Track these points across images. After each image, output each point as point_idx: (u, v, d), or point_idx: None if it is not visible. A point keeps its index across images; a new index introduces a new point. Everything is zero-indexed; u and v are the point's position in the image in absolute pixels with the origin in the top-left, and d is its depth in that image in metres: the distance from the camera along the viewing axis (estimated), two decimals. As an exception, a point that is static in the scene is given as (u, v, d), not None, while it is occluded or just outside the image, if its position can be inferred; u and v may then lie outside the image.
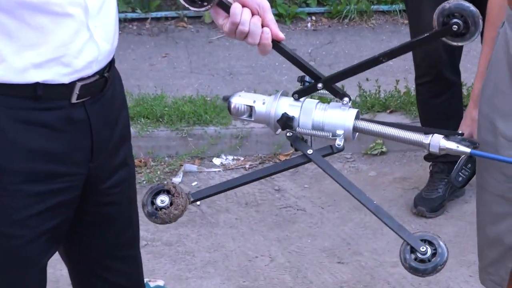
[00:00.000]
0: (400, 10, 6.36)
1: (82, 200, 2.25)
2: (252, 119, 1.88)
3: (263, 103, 1.86)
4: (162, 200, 1.77)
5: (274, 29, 1.90)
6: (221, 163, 4.81)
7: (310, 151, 1.82)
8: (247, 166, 4.81)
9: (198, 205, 4.43)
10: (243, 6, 1.88)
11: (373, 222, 4.24)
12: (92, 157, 2.17)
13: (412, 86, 5.11)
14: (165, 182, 1.76)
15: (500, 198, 2.37)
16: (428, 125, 4.31)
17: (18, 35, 1.95)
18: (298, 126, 1.83)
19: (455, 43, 1.74)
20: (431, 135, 1.76)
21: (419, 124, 4.89)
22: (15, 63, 1.96)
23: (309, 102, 1.85)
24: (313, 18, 6.40)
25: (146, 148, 4.86)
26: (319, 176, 4.71)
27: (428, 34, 1.75)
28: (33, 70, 1.98)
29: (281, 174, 4.71)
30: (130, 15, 6.24)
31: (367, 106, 5.03)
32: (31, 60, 1.97)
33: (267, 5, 1.91)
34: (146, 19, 6.17)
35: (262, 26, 1.89)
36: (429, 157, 4.41)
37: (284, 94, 1.89)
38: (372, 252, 4.07)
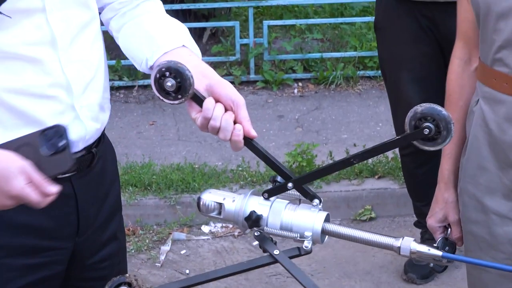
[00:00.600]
0: (386, 76, 6.41)
1: (68, 275, 2.22)
2: (221, 216, 1.84)
3: (233, 201, 1.82)
4: None
5: (247, 126, 1.85)
6: (210, 230, 4.80)
7: (276, 252, 1.76)
8: (235, 233, 4.79)
9: (187, 273, 4.41)
10: (217, 101, 1.85)
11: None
12: (78, 231, 2.14)
13: (400, 151, 5.14)
14: (127, 274, 1.70)
15: (500, 276, 2.35)
16: (414, 193, 4.37)
17: (1, 118, 1.94)
18: (266, 225, 1.79)
19: (426, 148, 1.70)
20: (402, 238, 1.72)
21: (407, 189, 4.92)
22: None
23: (279, 202, 1.81)
24: (300, 84, 6.43)
25: (135, 216, 4.85)
26: (308, 242, 4.69)
27: (399, 137, 1.72)
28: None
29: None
30: (117, 83, 6.25)
31: (356, 172, 5.03)
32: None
33: (242, 101, 1.87)
34: (133, 86, 6.19)
35: (235, 122, 1.85)
36: (419, 224, 4.39)
37: (255, 193, 1.85)
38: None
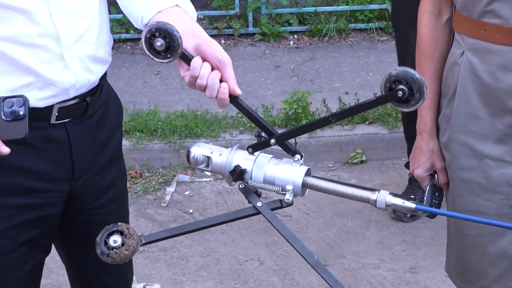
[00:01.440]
0: (376, 28, 6.39)
1: (69, 218, 2.22)
2: (209, 169, 1.82)
3: (220, 155, 1.80)
4: (115, 240, 1.71)
5: (232, 84, 1.81)
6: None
7: (259, 204, 1.76)
8: (236, 175, 4.80)
9: (191, 212, 4.43)
10: (204, 60, 1.82)
11: (355, 227, 4.25)
12: (73, 176, 2.13)
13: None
14: (119, 223, 1.73)
15: (497, 216, 2.35)
16: (411, 137, 4.30)
17: None
18: (251, 178, 1.77)
19: (400, 109, 1.69)
20: (378, 191, 1.71)
21: (397, 134, 4.92)
22: None
23: (263, 157, 1.80)
24: (295, 36, 6.41)
25: (141, 160, 4.86)
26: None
27: (374, 98, 1.69)
28: (9, 94, 1.94)
29: (268, 183, 4.72)
30: (124, 35, 6.25)
31: (347, 118, 5.03)
32: (7, 86, 1.95)
33: (228, 60, 1.83)
34: (139, 39, 6.16)
35: (222, 81, 1.81)
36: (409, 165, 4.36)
37: (241, 147, 1.84)
38: (354, 255, 4.07)
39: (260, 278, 3.91)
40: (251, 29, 6.41)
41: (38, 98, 1.98)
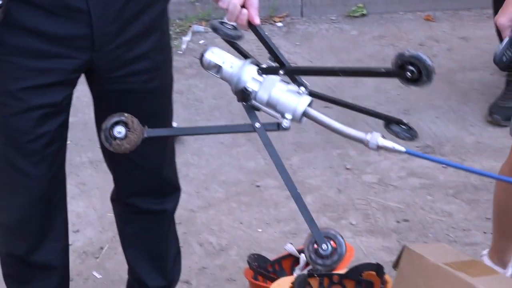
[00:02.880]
0: None
1: (95, 84, 2.12)
2: (218, 76, 1.77)
3: (231, 67, 1.74)
4: (119, 131, 1.67)
5: (252, 12, 1.75)
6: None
7: (257, 124, 1.71)
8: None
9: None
10: None
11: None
12: (93, 45, 1.99)
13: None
14: (126, 114, 1.68)
15: None
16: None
17: None
18: (255, 99, 1.72)
19: (404, 85, 1.63)
20: (371, 133, 1.65)
21: None
22: None
23: (270, 79, 1.73)
24: None
25: (160, 11, 4.79)
26: (308, 35, 4.64)
27: (384, 70, 1.64)
28: None
29: (275, 34, 4.66)
30: None
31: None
32: None
33: None
34: None
35: (244, 7, 1.75)
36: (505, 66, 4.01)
37: (253, 62, 1.77)
38: (353, 99, 4.02)
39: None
40: None
41: None
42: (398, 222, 3.21)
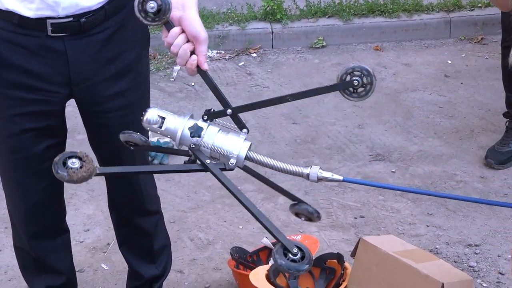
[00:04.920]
0: None
1: (81, 116, 2.08)
2: (163, 129, 1.55)
3: (174, 119, 1.55)
4: (73, 162, 1.44)
5: (201, 59, 1.60)
6: (208, 55, 4.71)
7: (208, 161, 1.52)
8: (227, 57, 4.72)
9: (193, 85, 4.37)
10: (183, 31, 1.61)
11: (318, 96, 4.19)
12: (71, 82, 1.94)
13: (344, -3, 5.01)
14: (78, 151, 1.47)
15: None
16: (508, 84, 3.48)
17: None
18: (201, 145, 1.53)
19: (348, 98, 1.53)
20: (310, 167, 1.52)
21: (350, 25, 4.81)
22: None
23: (213, 127, 1.55)
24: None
25: (154, 46, 4.73)
26: (278, 63, 4.64)
27: (330, 85, 1.53)
28: (7, 0, 1.82)
29: (251, 63, 4.66)
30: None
31: (311, 13, 4.91)
32: None
33: (203, 38, 1.60)
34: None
35: (193, 53, 1.59)
36: (507, 114, 3.58)
37: (192, 117, 1.58)
38: (316, 116, 4.04)
39: (245, 134, 3.88)
40: None
41: (28, 8, 1.82)
42: (355, 218, 3.22)
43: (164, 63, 4.65)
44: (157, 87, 4.37)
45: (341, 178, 1.53)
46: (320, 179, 1.52)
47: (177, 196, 3.40)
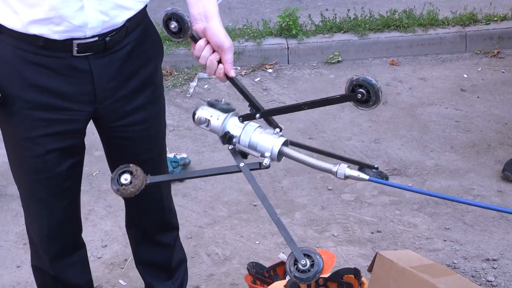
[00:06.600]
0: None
1: (101, 133, 2.10)
2: (208, 129, 1.72)
3: (217, 119, 1.70)
4: (125, 178, 1.63)
5: (227, 68, 1.70)
6: (225, 71, 4.74)
7: (242, 164, 1.65)
8: (243, 73, 4.74)
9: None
10: (208, 42, 1.70)
11: (333, 110, 4.20)
12: (96, 99, 1.95)
13: (360, 13, 5.02)
14: (131, 165, 1.64)
15: None
16: None
17: None
18: (238, 142, 1.67)
19: (361, 108, 1.59)
20: (339, 164, 1.61)
21: (365, 40, 4.82)
22: (22, 17, 1.79)
23: (250, 126, 1.68)
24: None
25: (171, 62, 4.79)
26: (294, 79, 4.65)
27: (338, 96, 1.60)
28: (33, 24, 1.80)
29: (267, 78, 4.67)
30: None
31: (327, 28, 4.93)
32: (32, 17, 1.78)
33: (227, 46, 1.69)
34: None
35: (220, 62, 1.69)
36: None
37: (235, 114, 1.71)
38: (332, 131, 4.05)
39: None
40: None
41: (55, 31, 1.81)
42: (372, 233, 3.21)
43: (180, 79, 4.67)
44: (174, 103, 4.39)
45: (367, 177, 1.60)
46: (347, 177, 1.59)
47: (194, 212, 3.41)
